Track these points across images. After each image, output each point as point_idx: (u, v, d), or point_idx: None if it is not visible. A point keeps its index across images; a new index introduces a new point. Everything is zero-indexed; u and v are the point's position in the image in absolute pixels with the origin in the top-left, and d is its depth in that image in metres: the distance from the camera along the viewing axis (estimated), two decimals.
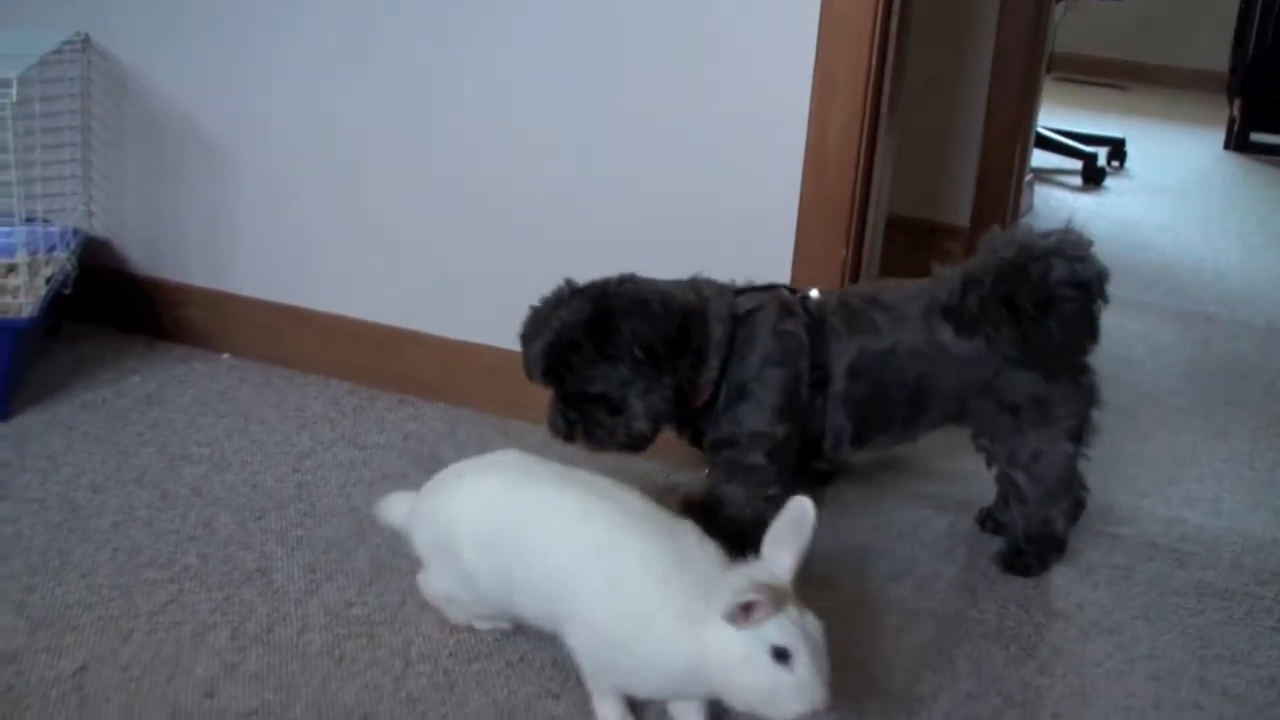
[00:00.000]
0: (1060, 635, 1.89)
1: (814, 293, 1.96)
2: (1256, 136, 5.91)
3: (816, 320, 1.91)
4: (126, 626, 1.76)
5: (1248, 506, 2.33)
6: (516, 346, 2.39)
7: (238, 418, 2.39)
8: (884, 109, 2.14)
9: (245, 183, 2.58)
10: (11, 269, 2.44)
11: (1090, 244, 1.92)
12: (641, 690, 1.55)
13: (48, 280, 2.45)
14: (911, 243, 3.51)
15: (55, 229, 2.55)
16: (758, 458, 1.90)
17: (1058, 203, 4.63)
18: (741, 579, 1.41)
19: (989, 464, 2.06)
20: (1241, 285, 3.78)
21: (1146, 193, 4.96)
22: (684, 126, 2.22)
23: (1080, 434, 2.00)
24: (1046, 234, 1.92)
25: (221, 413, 2.41)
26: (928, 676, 1.77)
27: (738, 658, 1.40)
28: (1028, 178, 4.30)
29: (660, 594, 1.47)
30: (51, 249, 2.52)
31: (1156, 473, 2.45)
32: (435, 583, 1.76)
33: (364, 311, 2.55)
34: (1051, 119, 5.43)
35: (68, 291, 2.49)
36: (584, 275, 2.32)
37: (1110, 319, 3.31)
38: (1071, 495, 2.05)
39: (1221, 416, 2.75)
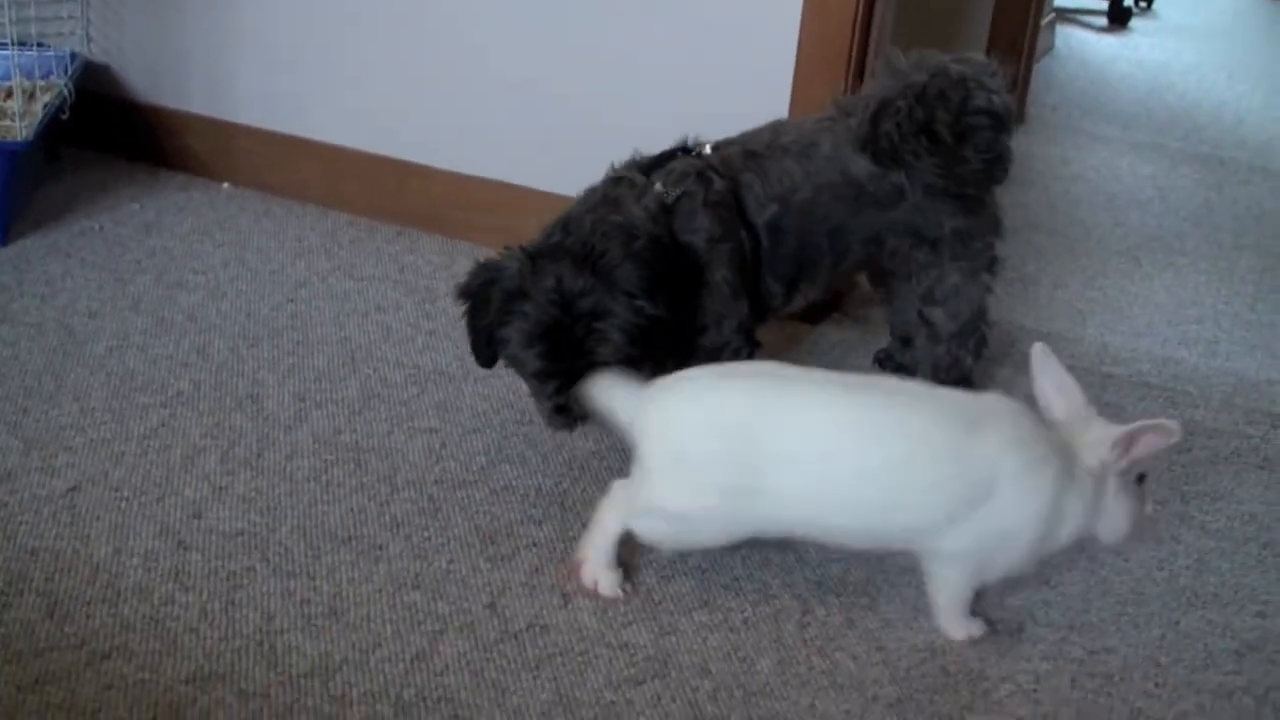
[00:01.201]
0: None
1: (708, 148, 1.84)
2: None
3: (734, 181, 1.81)
4: (118, 449, 1.78)
5: (1244, 348, 2.32)
6: (515, 179, 2.40)
7: (235, 246, 2.39)
8: None
9: (248, 8, 2.54)
10: (8, 94, 2.43)
11: (1000, 72, 1.86)
12: (1017, 569, 1.51)
13: (45, 106, 2.43)
14: None
15: (52, 53, 2.52)
16: (730, 335, 1.81)
17: (1079, 43, 4.53)
18: (1097, 420, 1.48)
19: (892, 303, 2.04)
20: (1261, 130, 3.72)
21: (1173, 34, 4.86)
22: None
23: (993, 266, 1.97)
24: (959, 58, 1.85)
25: (219, 241, 2.41)
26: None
27: (1114, 490, 1.45)
28: (1049, 17, 4.21)
29: (1047, 456, 1.45)
30: (48, 74, 2.50)
31: (1156, 314, 2.43)
32: (674, 499, 1.50)
33: (364, 143, 2.53)
34: None
35: (65, 117, 2.48)
36: (582, 116, 2.32)
37: (1123, 161, 3.32)
38: (978, 333, 2.00)
39: (1227, 260, 2.73)
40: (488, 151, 2.42)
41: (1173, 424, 1.42)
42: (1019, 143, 3.31)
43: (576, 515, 1.70)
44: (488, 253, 2.37)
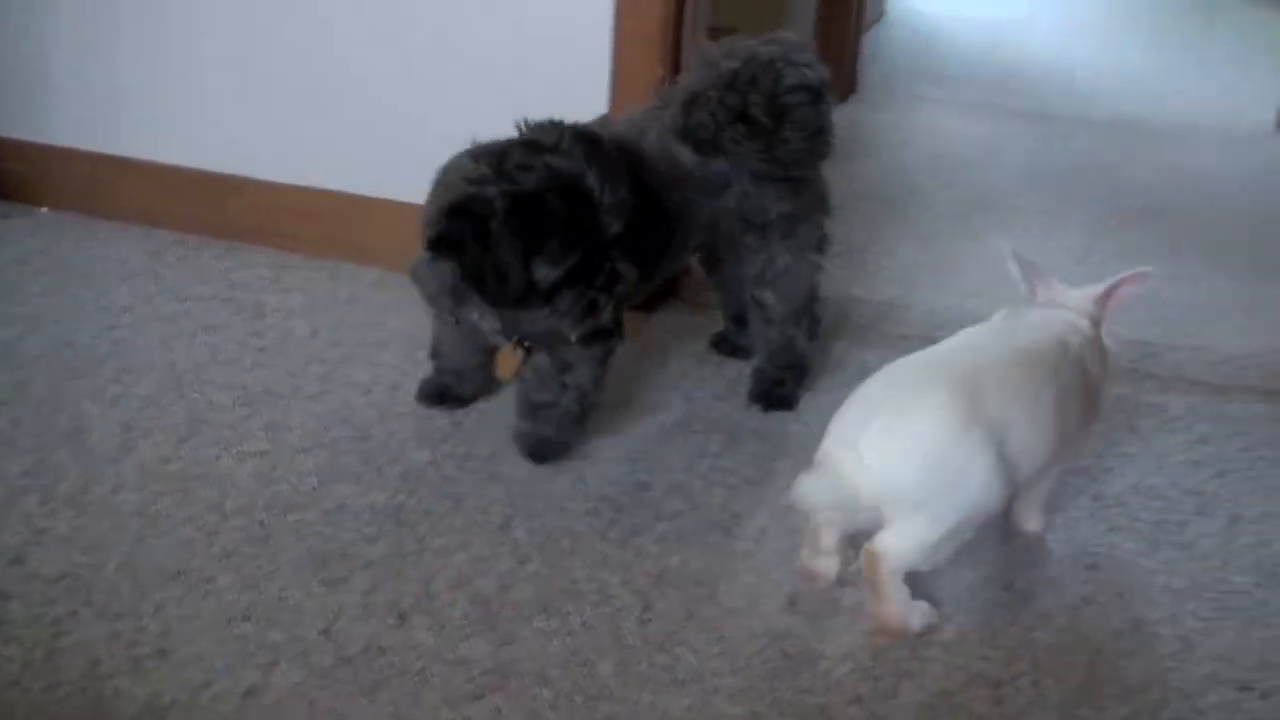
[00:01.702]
0: None
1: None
2: None
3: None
4: None
5: None
6: (343, 187, 2.36)
7: (55, 274, 2.32)
8: None
9: (59, 27, 2.46)
10: None
11: (811, 47, 1.89)
12: None
13: None
14: None
15: None
16: (607, 321, 1.75)
17: (910, 8, 4.58)
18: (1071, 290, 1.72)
19: (724, 287, 2.07)
20: (1090, 83, 3.80)
21: None
22: None
23: (823, 245, 1.99)
24: (769, 41, 1.86)
25: (38, 269, 2.34)
26: (747, 491, 1.79)
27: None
28: None
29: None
30: None
31: (985, 274, 2.44)
32: (932, 529, 1.49)
33: (186, 158, 2.47)
34: None
35: None
36: (403, 121, 2.28)
37: (954, 122, 3.37)
38: (811, 313, 2.03)
39: (1057, 214, 2.78)
40: (314, 160, 2.38)
41: (1147, 269, 1.65)
42: (850, 113, 3.37)
43: (411, 530, 1.68)
44: (317, 264, 2.36)
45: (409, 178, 2.30)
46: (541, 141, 1.65)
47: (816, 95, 1.86)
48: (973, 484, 1.48)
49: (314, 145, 2.37)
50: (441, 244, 1.65)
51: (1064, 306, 1.68)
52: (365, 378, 2.02)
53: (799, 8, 3.42)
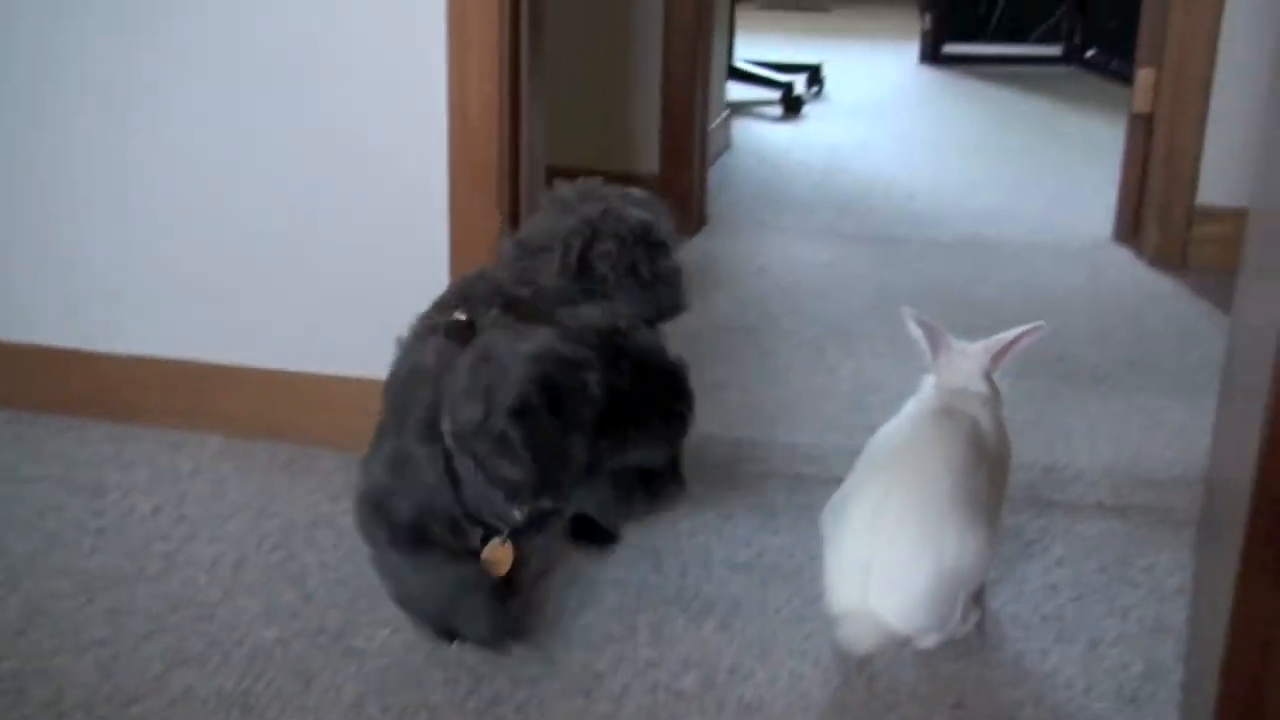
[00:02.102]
0: (741, 587, 1.90)
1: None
2: (948, 48, 6.09)
3: None
4: None
5: None
6: (181, 355, 2.30)
7: None
8: (524, 66, 2.10)
9: None
10: None
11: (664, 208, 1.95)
12: None
13: None
14: None
15: None
16: None
17: (756, 136, 4.67)
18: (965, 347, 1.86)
19: None
20: (931, 202, 3.88)
21: (844, 116, 5.06)
22: (331, 116, 2.16)
23: None
24: (625, 196, 1.91)
25: None
26: (608, 649, 1.76)
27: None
28: (724, 114, 4.33)
29: None
30: None
31: (842, 405, 2.48)
32: (955, 615, 1.70)
33: (16, 333, 2.40)
34: (756, 49, 5.50)
35: None
36: (230, 273, 2.24)
37: (803, 249, 3.41)
38: None
39: (905, 339, 2.80)
40: (148, 328, 2.32)
41: (1041, 323, 1.83)
42: (702, 245, 3.41)
43: (260, 715, 1.61)
44: (159, 434, 2.29)
45: (248, 343, 2.28)
46: (619, 326, 1.54)
47: (669, 248, 1.89)
48: (977, 571, 1.69)
49: (150, 314, 2.31)
50: (526, 419, 1.44)
51: (964, 360, 1.83)
52: (210, 554, 1.96)
53: (643, 142, 3.47)
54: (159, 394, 2.32)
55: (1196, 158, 3.20)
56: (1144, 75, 3.30)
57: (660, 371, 1.53)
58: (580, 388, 1.44)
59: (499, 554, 1.65)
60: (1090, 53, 5.89)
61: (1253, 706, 1.34)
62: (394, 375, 1.69)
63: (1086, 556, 1.98)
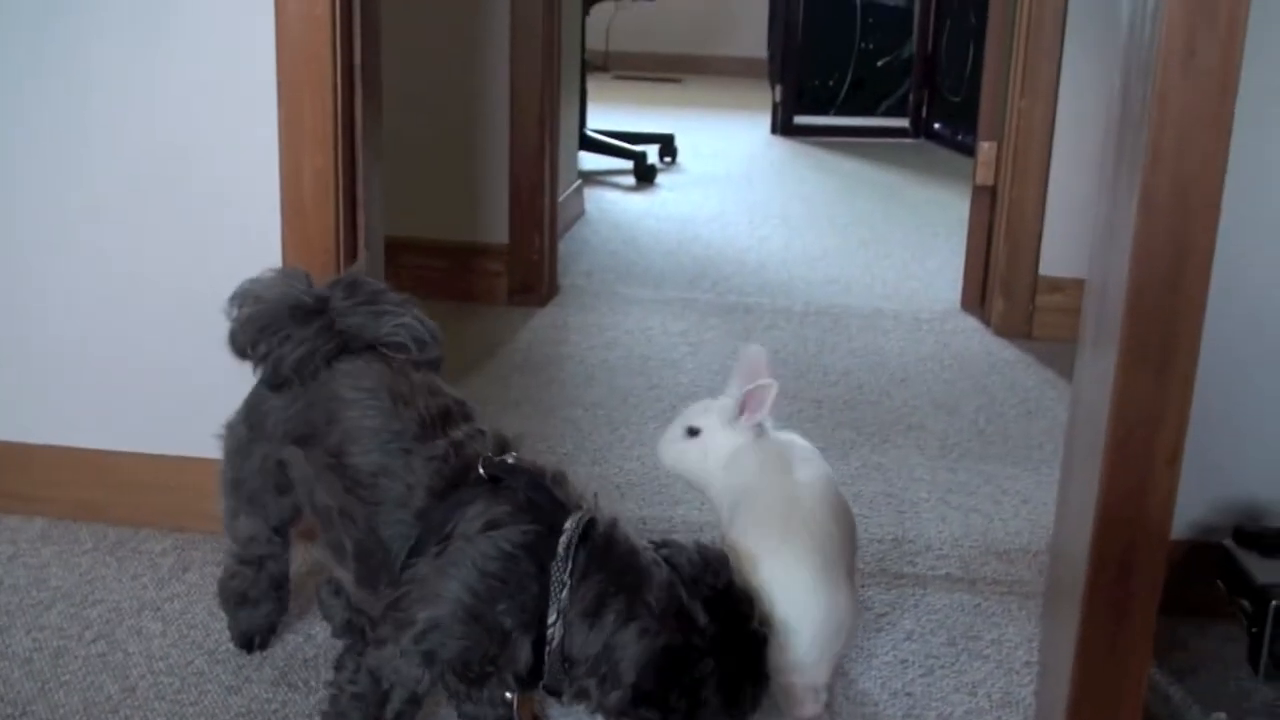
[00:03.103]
0: None
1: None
2: (799, 119, 6.18)
3: None
4: None
5: None
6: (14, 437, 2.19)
7: None
8: (359, 137, 2.05)
9: None
10: None
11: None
12: None
13: None
14: (455, 267, 3.45)
15: None
16: None
17: (610, 205, 4.67)
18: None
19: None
20: (782, 271, 3.91)
21: (697, 186, 5.09)
22: (161, 198, 2.08)
23: None
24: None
25: None
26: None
27: None
28: (575, 183, 4.32)
29: None
30: None
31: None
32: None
33: None
34: (610, 119, 5.52)
35: None
36: (57, 352, 2.14)
37: (655, 320, 3.40)
38: None
39: None
40: None
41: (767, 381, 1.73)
42: (552, 316, 3.38)
43: None
44: None
45: (74, 424, 2.18)
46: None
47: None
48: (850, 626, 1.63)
49: None
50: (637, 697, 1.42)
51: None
52: (26, 645, 1.85)
53: (492, 212, 3.43)
54: None
55: (1038, 229, 3.27)
56: (986, 149, 3.37)
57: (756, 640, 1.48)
58: (697, 682, 1.41)
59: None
60: (936, 126, 6.03)
61: None
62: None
63: (936, 630, 1.97)
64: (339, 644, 1.83)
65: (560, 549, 1.43)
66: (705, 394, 2.84)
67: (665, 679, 1.41)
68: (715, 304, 3.56)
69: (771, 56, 6.44)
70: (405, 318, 1.65)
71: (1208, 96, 1.23)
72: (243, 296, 1.70)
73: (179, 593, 2.00)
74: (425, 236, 3.40)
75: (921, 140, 6.11)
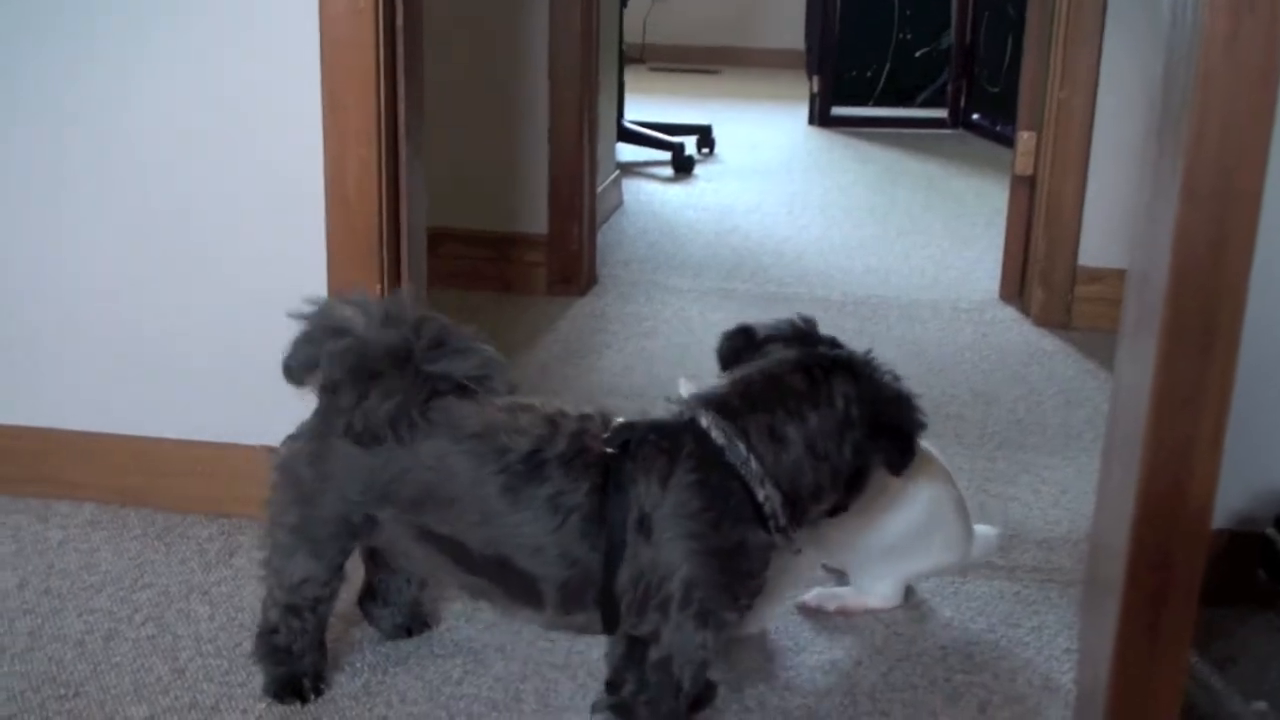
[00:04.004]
0: None
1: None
2: (836, 110, 6.17)
3: None
4: None
5: None
6: (50, 423, 2.22)
7: None
8: (402, 129, 2.06)
9: None
10: None
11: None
12: None
13: None
14: (495, 257, 3.47)
15: None
16: None
17: (648, 196, 4.69)
18: None
19: None
20: (820, 261, 3.91)
21: (735, 177, 5.09)
22: (207, 188, 2.11)
23: None
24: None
25: None
26: (489, 718, 1.71)
27: None
28: (614, 175, 4.34)
29: None
30: None
31: None
32: None
33: None
34: (646, 111, 5.53)
35: None
36: (94, 339, 2.17)
37: (694, 310, 3.41)
38: None
39: None
40: (15, 397, 2.24)
41: None
42: (591, 305, 3.39)
43: None
44: (29, 504, 2.20)
45: (126, 412, 2.21)
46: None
47: None
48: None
49: (15, 381, 2.23)
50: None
51: None
52: (78, 629, 1.88)
53: (531, 203, 3.45)
54: (28, 463, 2.23)
55: (1078, 219, 3.25)
56: (1025, 139, 3.37)
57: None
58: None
59: None
60: (975, 116, 6.01)
61: None
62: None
63: (975, 617, 1.98)
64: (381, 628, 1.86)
65: (719, 441, 1.50)
66: None
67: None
68: (754, 294, 3.57)
69: (809, 48, 6.44)
70: (484, 352, 1.62)
71: (1250, 82, 1.23)
72: (326, 319, 1.61)
73: (226, 577, 2.03)
74: (466, 227, 3.43)
75: (960, 131, 6.09)
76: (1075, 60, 3.17)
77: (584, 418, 1.58)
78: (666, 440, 1.52)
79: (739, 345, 1.66)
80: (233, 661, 1.81)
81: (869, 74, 6.19)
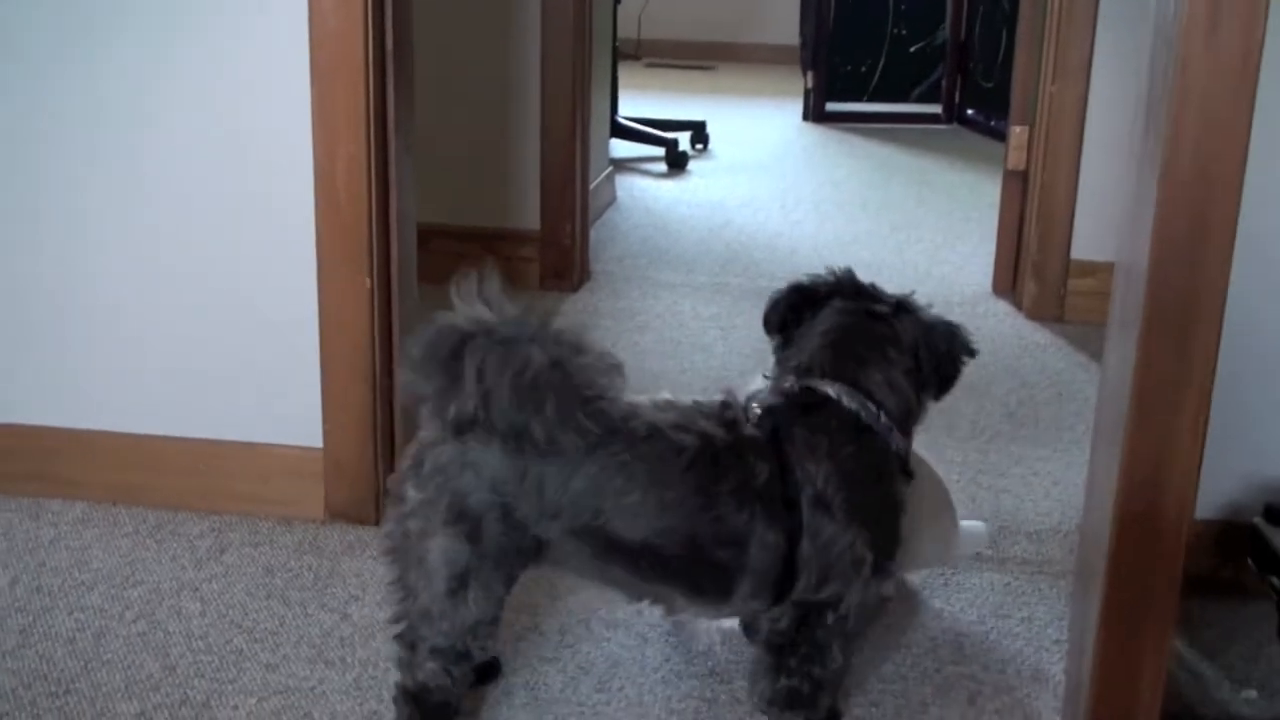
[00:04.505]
0: (620, 646, 1.87)
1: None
2: (831, 106, 6.17)
3: None
4: None
5: None
6: (40, 420, 2.22)
7: None
8: (392, 124, 2.07)
9: None
10: None
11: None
12: None
13: None
14: (486, 252, 3.47)
15: None
16: None
17: (641, 191, 4.68)
18: None
19: None
20: (814, 256, 3.90)
21: (729, 172, 5.09)
22: (196, 190, 2.11)
23: None
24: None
25: None
26: (482, 712, 1.71)
27: None
28: (607, 170, 4.33)
29: None
30: None
31: None
32: None
33: None
34: (641, 106, 5.53)
35: None
36: (96, 339, 2.18)
37: (686, 304, 3.41)
38: None
39: None
40: (8, 396, 2.25)
41: None
42: (584, 301, 3.40)
43: None
44: (19, 503, 2.20)
45: (114, 409, 2.21)
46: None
47: None
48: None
49: (5, 380, 2.24)
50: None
51: None
52: (69, 626, 1.88)
53: (523, 198, 3.45)
54: (19, 460, 2.24)
55: (1070, 213, 3.26)
56: (1017, 133, 3.37)
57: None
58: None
59: None
60: (969, 111, 6.01)
61: None
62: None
63: (965, 608, 1.98)
64: (379, 621, 1.86)
65: (852, 406, 1.59)
66: (736, 377, 2.87)
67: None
68: (747, 288, 3.56)
69: (803, 43, 6.43)
70: (605, 352, 1.54)
71: (1230, 69, 1.23)
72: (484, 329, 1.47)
73: (217, 574, 2.03)
74: (457, 223, 3.42)
75: (954, 126, 6.09)
76: (1067, 55, 3.17)
77: (725, 405, 1.59)
78: (812, 417, 1.57)
79: (798, 303, 1.73)
80: (223, 658, 1.81)
81: (863, 69, 6.18)
